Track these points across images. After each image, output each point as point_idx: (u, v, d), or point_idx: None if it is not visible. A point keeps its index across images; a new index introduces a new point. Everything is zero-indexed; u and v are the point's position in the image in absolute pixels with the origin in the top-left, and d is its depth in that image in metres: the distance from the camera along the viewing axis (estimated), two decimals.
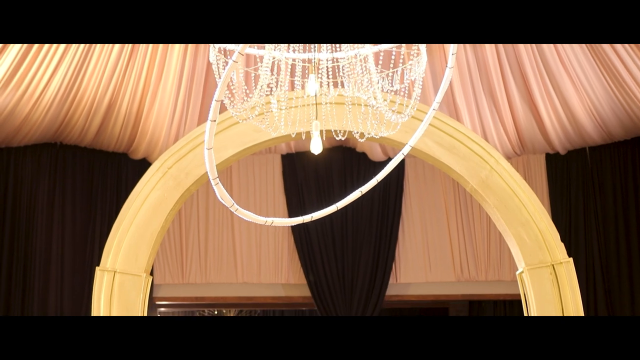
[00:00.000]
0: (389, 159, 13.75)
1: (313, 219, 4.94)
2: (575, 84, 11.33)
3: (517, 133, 12.63)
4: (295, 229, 13.80)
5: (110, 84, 11.30)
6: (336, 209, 5.08)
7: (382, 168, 13.69)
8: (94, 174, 13.35)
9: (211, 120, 4.10)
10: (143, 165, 12.37)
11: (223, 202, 4.38)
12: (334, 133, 5.52)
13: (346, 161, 13.82)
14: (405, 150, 4.99)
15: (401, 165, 13.98)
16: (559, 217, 13.13)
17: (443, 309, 15.89)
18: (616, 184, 12.98)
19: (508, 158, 13.11)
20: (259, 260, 13.90)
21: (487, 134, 12.34)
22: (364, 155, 13.64)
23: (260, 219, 4.66)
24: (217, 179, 4.29)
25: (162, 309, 16.94)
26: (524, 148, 13.11)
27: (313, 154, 13.54)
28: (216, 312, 18.84)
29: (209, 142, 4.17)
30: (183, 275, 13.82)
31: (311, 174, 13.91)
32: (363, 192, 5.06)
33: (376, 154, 13.45)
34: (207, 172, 4.30)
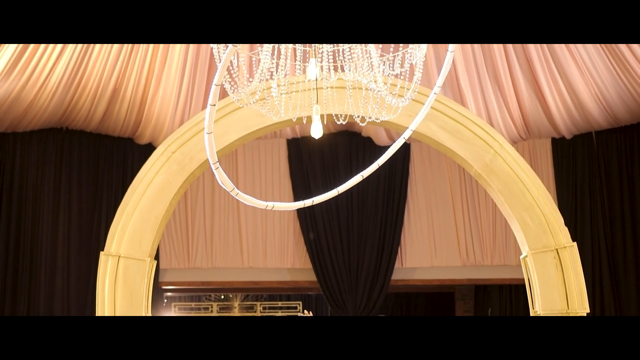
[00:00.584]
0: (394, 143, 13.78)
1: (314, 203, 4.94)
2: (580, 68, 11.28)
3: (522, 117, 12.60)
4: (300, 214, 13.83)
5: (115, 69, 11.30)
6: (337, 193, 5.07)
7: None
8: (99, 159, 13.39)
9: (211, 105, 4.10)
10: (149, 150, 12.38)
11: (223, 187, 4.38)
12: (335, 117, 5.52)
13: (352, 146, 13.82)
14: (407, 135, 4.98)
15: (407, 149, 13.98)
16: (564, 202, 13.12)
17: (449, 294, 15.93)
18: (622, 168, 12.95)
19: (513, 142, 13.09)
20: (265, 245, 13.94)
21: (492, 118, 12.31)
22: (369, 139, 13.62)
23: (261, 204, 4.66)
24: (218, 163, 4.29)
25: (169, 294, 17.02)
26: (530, 132, 13.08)
27: (318, 139, 13.60)
28: (222, 297, 18.90)
29: (209, 126, 4.17)
30: (189, 260, 13.87)
31: (317, 158, 13.92)
32: (364, 176, 5.05)
33: (381, 139, 13.44)
34: (208, 156, 4.29)
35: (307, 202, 4.90)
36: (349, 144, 13.81)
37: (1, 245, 12.68)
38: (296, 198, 13.63)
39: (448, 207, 13.89)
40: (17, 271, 12.73)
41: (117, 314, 7.62)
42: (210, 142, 4.20)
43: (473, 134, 8.02)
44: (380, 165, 5.04)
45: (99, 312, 7.64)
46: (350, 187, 5.01)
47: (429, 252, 13.94)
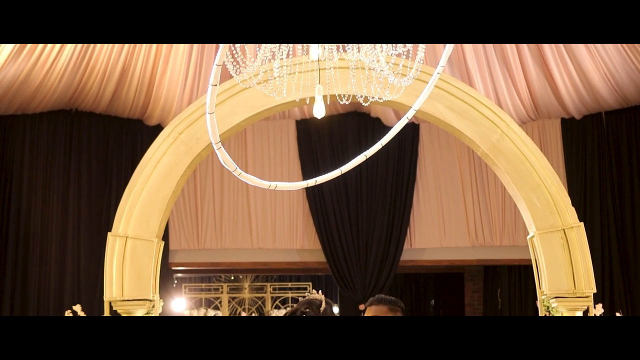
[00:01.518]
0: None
1: (317, 182, 4.93)
2: (589, 47, 11.22)
3: (531, 98, 12.55)
4: (310, 195, 13.85)
5: (123, 50, 11.32)
6: (340, 173, 5.07)
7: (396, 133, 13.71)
8: (109, 140, 13.43)
9: (212, 85, 4.09)
10: (158, 131, 12.31)
11: (226, 166, 4.39)
12: (338, 97, 5.51)
13: (360, 126, 13.81)
14: (410, 114, 4.96)
15: (416, 130, 13.97)
16: (574, 182, 13.10)
17: (458, 274, 15.93)
18: (632, 148, 12.91)
19: (522, 123, 13.06)
20: (274, 226, 13.97)
21: (500, 99, 12.27)
22: (378, 120, 13.61)
23: (264, 183, 4.67)
24: (220, 143, 4.29)
25: (179, 275, 17.08)
26: (539, 113, 13.04)
27: (327, 120, 13.56)
28: (232, 278, 18.96)
29: (210, 106, 4.17)
30: (198, 241, 13.92)
31: (325, 139, 13.92)
32: (367, 156, 5.03)
33: (390, 119, 13.42)
34: (210, 136, 4.30)
35: (310, 182, 4.90)
36: (357, 125, 13.80)
37: (12, 227, 12.76)
38: (305, 178, 13.61)
39: (457, 188, 13.88)
40: (28, 254, 12.81)
41: (125, 295, 7.67)
42: (212, 122, 4.21)
43: (480, 114, 8.00)
44: (383, 145, 5.02)
45: (107, 293, 7.68)
46: (353, 167, 4.99)
47: (438, 232, 13.95)
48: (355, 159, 5.03)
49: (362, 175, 13.82)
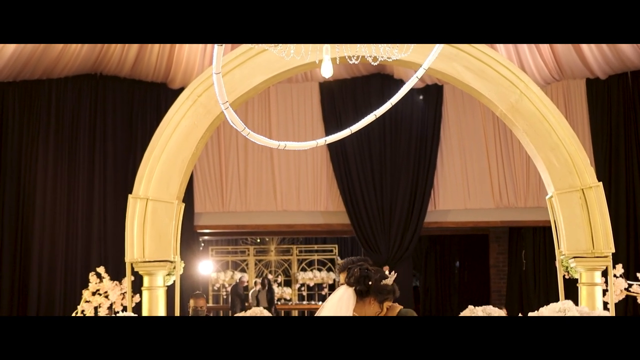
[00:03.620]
0: (427, 86, 13.71)
1: (327, 142, 4.95)
2: None
3: (554, 58, 12.44)
4: (334, 157, 13.89)
5: None
6: (350, 132, 5.08)
7: (419, 94, 13.62)
8: (134, 104, 13.53)
9: (218, 45, 4.12)
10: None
11: (234, 126, 4.42)
12: (347, 58, 5.50)
13: (384, 88, 13.78)
14: (420, 73, 4.96)
15: (439, 92, 13.92)
16: (599, 142, 13.03)
17: (483, 236, 15.94)
18: None
19: (547, 84, 12.96)
20: (298, 188, 14.04)
21: (523, 60, 12.18)
22: (401, 81, 13.56)
23: (273, 143, 4.70)
24: (227, 103, 4.32)
25: (205, 238, 17.23)
26: (563, 73, 12.93)
27: (351, 82, 13.51)
28: (259, 240, 19.09)
29: (216, 67, 4.19)
30: (223, 203, 14.02)
31: (349, 101, 13.93)
32: (377, 116, 5.05)
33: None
34: (217, 96, 4.33)
35: (320, 142, 4.92)
36: (380, 86, 13.79)
37: (39, 189, 12.92)
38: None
39: (481, 149, 13.85)
40: (55, 215, 12.98)
41: (146, 257, 7.74)
42: (218, 82, 4.23)
43: (498, 74, 7.92)
44: (393, 104, 5.03)
45: (129, 255, 7.76)
46: (362, 126, 5.00)
47: (462, 194, 13.95)
48: (365, 118, 5.04)
49: (386, 138, 13.82)
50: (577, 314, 5.18)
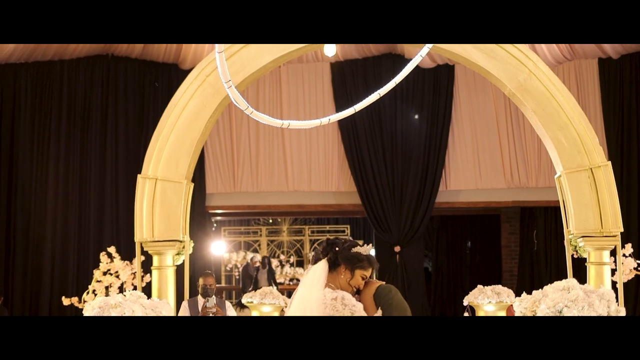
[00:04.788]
0: (438, 66, 13.67)
1: (330, 121, 4.95)
2: None
3: None
4: (345, 136, 13.89)
5: None
6: (354, 111, 5.07)
7: (431, 74, 13.57)
8: (145, 84, 13.57)
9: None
10: None
11: (237, 105, 4.43)
12: None
13: (395, 68, 13.72)
14: (424, 52, 4.93)
15: (451, 72, 13.88)
16: (611, 122, 12.97)
17: (494, 216, 15.91)
18: None
19: (558, 63, 12.90)
20: (310, 168, 14.05)
21: None
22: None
23: (277, 122, 4.69)
24: (230, 82, 4.32)
25: (218, 218, 17.29)
26: (575, 53, 12.87)
27: (362, 62, 13.48)
28: (271, 221, 19.15)
29: (219, 45, 4.20)
30: (235, 184, 14.06)
31: (360, 81, 13.92)
32: (381, 94, 5.02)
33: (424, 61, 13.35)
34: (220, 75, 4.34)
35: (324, 120, 4.91)
36: (392, 66, 13.76)
37: (51, 168, 13.00)
38: (340, 121, 13.65)
39: (493, 129, 13.82)
40: (67, 194, 13.07)
41: (156, 236, 7.78)
42: (221, 61, 4.24)
43: (507, 53, 7.88)
44: (397, 82, 5.01)
45: (138, 234, 7.80)
46: (366, 105, 4.99)
47: (473, 174, 13.93)
48: (369, 97, 5.03)
49: (397, 117, 13.81)
50: (580, 293, 5.18)
